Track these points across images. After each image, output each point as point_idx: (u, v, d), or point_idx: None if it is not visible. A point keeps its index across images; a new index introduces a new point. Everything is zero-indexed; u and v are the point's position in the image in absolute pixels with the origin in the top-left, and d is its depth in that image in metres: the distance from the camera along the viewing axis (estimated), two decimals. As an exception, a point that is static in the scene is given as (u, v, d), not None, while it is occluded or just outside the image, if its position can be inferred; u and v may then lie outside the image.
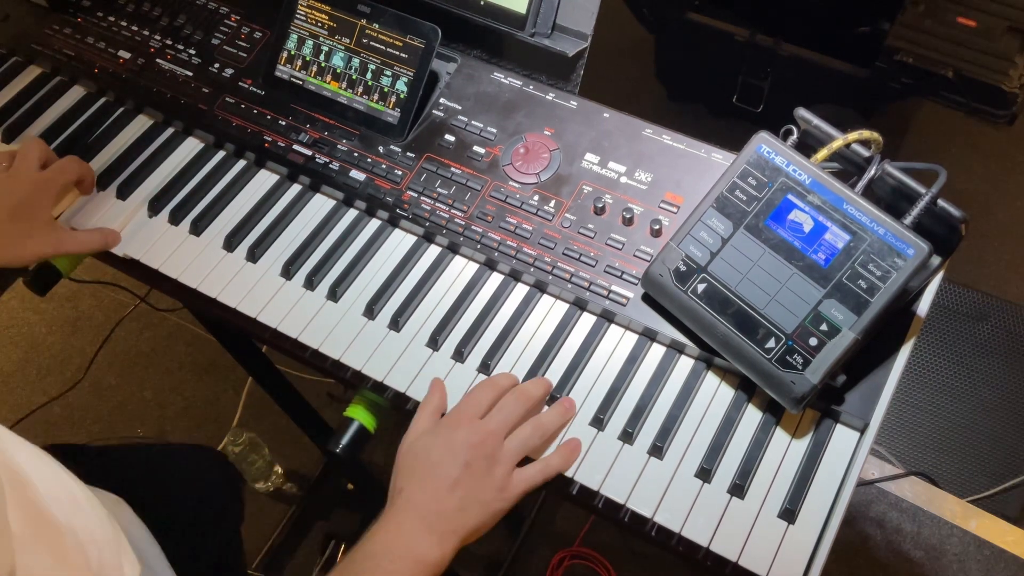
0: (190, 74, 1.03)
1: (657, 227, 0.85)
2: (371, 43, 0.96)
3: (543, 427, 0.77)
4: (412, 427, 0.78)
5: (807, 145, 0.80)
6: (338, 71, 0.97)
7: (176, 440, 1.94)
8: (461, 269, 0.90)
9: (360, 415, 0.85)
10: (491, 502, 0.74)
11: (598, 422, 0.79)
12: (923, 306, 0.80)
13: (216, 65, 1.03)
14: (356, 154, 0.96)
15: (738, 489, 0.75)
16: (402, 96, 0.95)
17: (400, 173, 0.94)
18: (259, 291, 0.90)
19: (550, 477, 0.76)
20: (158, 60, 1.05)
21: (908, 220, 0.73)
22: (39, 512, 0.58)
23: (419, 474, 0.75)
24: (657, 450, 0.77)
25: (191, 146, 1.02)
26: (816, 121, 0.78)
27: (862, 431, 0.77)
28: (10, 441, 0.61)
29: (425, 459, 0.75)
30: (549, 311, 0.87)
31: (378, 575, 0.70)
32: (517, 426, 0.77)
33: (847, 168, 0.79)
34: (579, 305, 0.86)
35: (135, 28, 1.08)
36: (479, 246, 0.89)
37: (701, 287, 0.78)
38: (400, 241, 0.93)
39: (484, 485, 0.74)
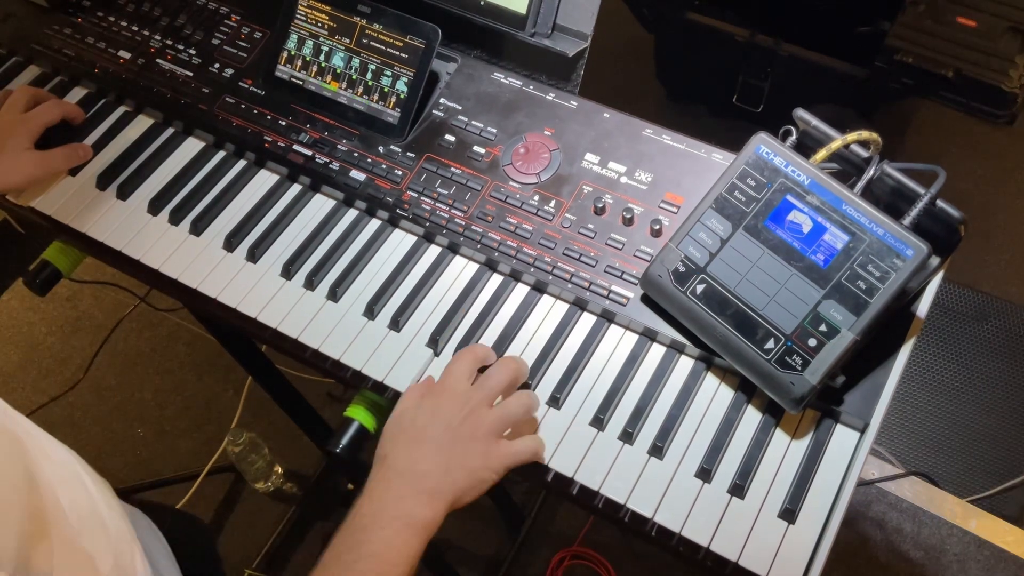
0: (190, 74, 1.03)
1: (657, 227, 0.86)
2: (371, 43, 0.96)
3: (526, 402, 0.77)
4: (400, 402, 0.78)
5: (806, 146, 0.80)
6: (338, 71, 0.97)
7: (173, 439, 1.94)
8: (461, 269, 0.90)
9: (360, 415, 0.85)
10: (477, 469, 0.72)
11: (598, 422, 0.79)
12: (923, 306, 0.80)
13: (216, 65, 1.03)
14: (356, 154, 0.96)
15: (738, 489, 0.75)
16: (402, 96, 0.95)
17: (400, 173, 0.94)
18: (259, 291, 0.90)
19: (536, 455, 0.76)
20: (158, 60, 1.05)
21: (907, 221, 0.73)
22: (54, 515, 0.57)
23: (403, 440, 0.74)
24: (657, 450, 0.77)
25: (191, 146, 1.02)
26: (815, 122, 0.78)
27: (862, 431, 0.77)
28: (42, 441, 0.61)
29: (410, 426, 0.74)
30: (549, 311, 0.87)
31: (373, 545, 0.67)
32: (499, 396, 0.77)
33: (846, 169, 0.79)
34: (579, 305, 0.86)
35: (135, 28, 1.08)
36: (479, 246, 0.89)
37: (700, 288, 0.78)
38: (400, 241, 0.93)
39: (469, 450, 0.72)
